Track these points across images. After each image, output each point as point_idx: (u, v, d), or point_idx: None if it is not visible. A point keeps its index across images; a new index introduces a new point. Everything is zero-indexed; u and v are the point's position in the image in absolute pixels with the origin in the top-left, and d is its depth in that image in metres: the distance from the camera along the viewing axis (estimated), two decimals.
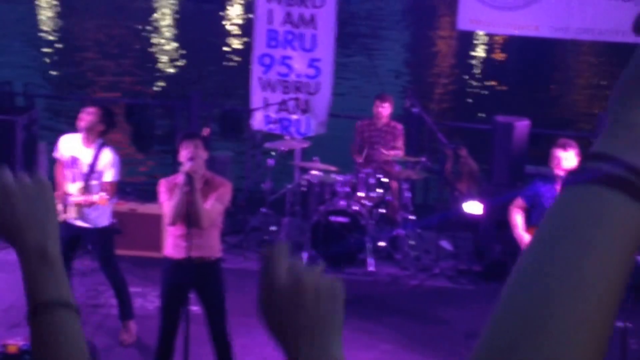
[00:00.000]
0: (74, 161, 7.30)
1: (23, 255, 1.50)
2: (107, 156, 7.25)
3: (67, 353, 1.43)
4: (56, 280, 1.48)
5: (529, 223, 6.98)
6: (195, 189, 6.19)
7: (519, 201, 7.04)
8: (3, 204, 1.50)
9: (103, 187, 7.16)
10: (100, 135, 7.34)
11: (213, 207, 6.30)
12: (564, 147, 6.81)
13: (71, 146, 7.34)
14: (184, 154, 6.27)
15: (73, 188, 7.26)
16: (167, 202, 6.34)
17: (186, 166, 6.24)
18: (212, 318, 6.53)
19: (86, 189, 7.18)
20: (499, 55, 26.64)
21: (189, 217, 6.21)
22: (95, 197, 7.06)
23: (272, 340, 1.37)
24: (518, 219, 6.98)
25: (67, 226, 7.17)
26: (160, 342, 6.55)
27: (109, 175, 7.24)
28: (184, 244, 6.29)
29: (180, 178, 6.27)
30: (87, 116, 7.29)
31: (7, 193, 1.50)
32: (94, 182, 7.16)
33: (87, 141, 7.29)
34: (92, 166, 7.22)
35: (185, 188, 6.18)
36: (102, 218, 7.37)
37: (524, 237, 6.89)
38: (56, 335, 1.44)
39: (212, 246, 6.44)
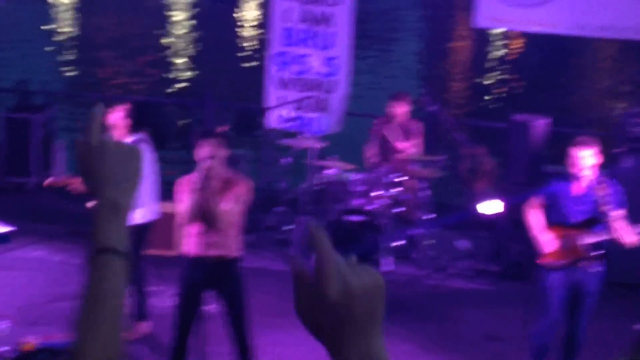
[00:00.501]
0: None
1: (99, 202, 1.72)
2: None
3: (112, 295, 1.65)
4: (120, 230, 1.71)
5: (546, 221, 6.90)
6: (211, 190, 6.16)
7: (535, 200, 6.95)
8: (97, 154, 1.72)
9: None
10: (131, 131, 7.37)
11: (232, 208, 6.27)
12: (582, 145, 6.71)
13: None
14: (201, 152, 6.24)
15: None
16: (184, 202, 6.31)
17: (204, 165, 6.21)
18: (231, 318, 6.50)
19: None
20: (517, 53, 26.51)
21: (206, 215, 6.19)
22: None
23: (314, 341, 1.40)
24: (534, 219, 6.89)
25: None
26: (175, 340, 6.52)
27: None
28: (201, 242, 6.27)
29: (197, 176, 6.25)
30: (112, 114, 7.31)
31: (104, 147, 1.72)
32: None
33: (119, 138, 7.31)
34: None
35: (201, 187, 6.15)
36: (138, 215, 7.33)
37: (541, 237, 6.80)
38: (109, 274, 1.67)
39: (231, 245, 6.39)
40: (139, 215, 7.34)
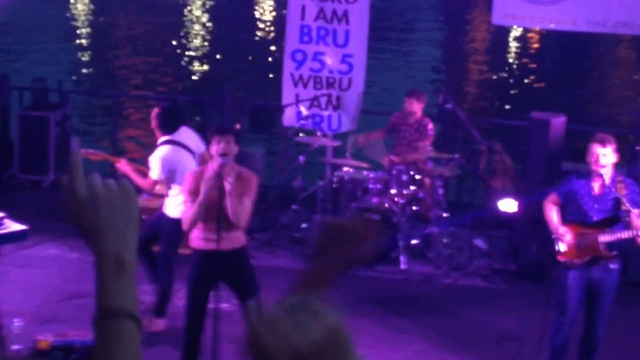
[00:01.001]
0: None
1: (99, 259, 1.56)
2: (155, 153, 7.42)
3: None
4: (127, 289, 1.55)
5: (563, 219, 6.83)
6: (225, 185, 6.16)
7: (553, 196, 6.88)
8: (88, 207, 1.56)
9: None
10: (165, 132, 7.46)
11: (247, 205, 6.32)
12: (603, 142, 6.63)
13: None
14: (215, 148, 6.27)
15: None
16: (190, 199, 6.31)
17: (217, 162, 6.20)
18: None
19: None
20: (535, 50, 26.37)
21: (218, 212, 6.18)
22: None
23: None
24: (553, 213, 6.82)
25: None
26: (186, 337, 6.50)
27: (152, 170, 7.37)
28: (213, 238, 6.26)
29: (209, 171, 6.27)
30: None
31: (94, 197, 1.56)
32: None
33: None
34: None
35: (214, 183, 6.17)
36: (174, 209, 7.32)
37: (560, 229, 6.72)
38: (118, 342, 1.51)
39: (238, 237, 6.45)
40: (176, 209, 7.27)
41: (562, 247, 6.72)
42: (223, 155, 6.21)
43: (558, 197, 6.85)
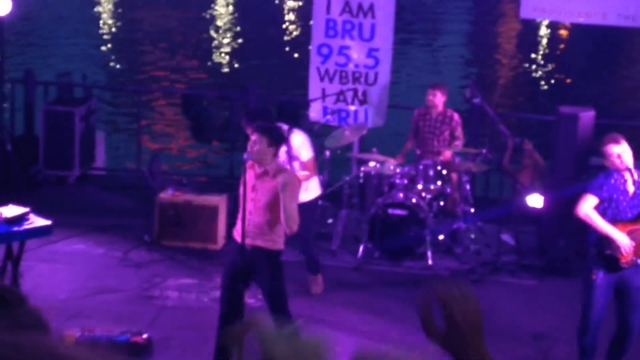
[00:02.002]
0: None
1: None
2: (298, 139, 7.89)
3: None
4: None
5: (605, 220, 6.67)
6: (253, 179, 6.34)
7: (592, 200, 6.62)
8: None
9: (303, 166, 7.89)
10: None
11: (274, 197, 6.34)
12: (617, 141, 6.52)
13: None
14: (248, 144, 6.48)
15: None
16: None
17: (248, 156, 6.37)
18: (271, 309, 6.52)
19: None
20: (564, 44, 26.15)
21: (243, 206, 6.28)
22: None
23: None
24: (600, 219, 6.59)
25: None
26: (220, 329, 6.48)
27: (303, 154, 7.90)
28: (240, 229, 6.35)
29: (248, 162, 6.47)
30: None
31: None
32: (295, 165, 7.86)
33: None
34: (288, 152, 7.79)
35: (244, 177, 6.33)
36: (306, 194, 7.72)
37: (620, 235, 6.51)
38: None
39: (272, 236, 6.43)
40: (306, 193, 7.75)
41: (626, 248, 6.55)
42: (253, 150, 6.33)
43: (597, 197, 6.61)
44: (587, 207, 6.58)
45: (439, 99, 9.50)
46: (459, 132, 9.51)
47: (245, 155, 6.34)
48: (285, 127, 7.77)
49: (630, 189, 6.58)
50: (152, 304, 7.99)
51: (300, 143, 7.90)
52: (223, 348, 6.51)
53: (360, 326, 7.70)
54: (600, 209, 6.60)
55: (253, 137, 6.35)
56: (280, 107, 10.98)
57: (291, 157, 7.86)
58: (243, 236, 6.30)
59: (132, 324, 7.34)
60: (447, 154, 9.38)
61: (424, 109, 9.66)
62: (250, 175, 6.40)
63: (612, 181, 6.58)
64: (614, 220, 6.58)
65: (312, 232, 8.43)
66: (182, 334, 7.43)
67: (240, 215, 6.44)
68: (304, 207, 7.66)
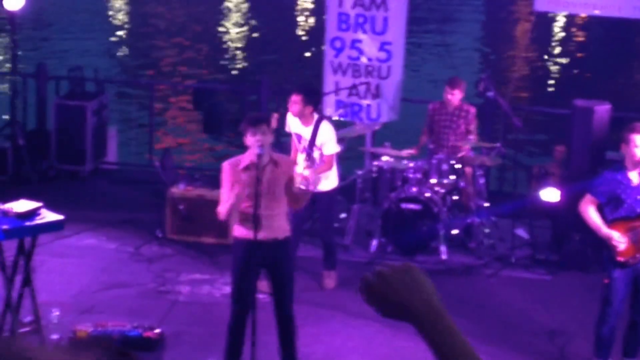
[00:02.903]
0: (298, 137, 8.04)
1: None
2: (325, 131, 7.86)
3: None
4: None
5: (607, 217, 6.63)
6: (262, 174, 6.21)
7: (590, 199, 6.64)
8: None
9: (323, 158, 7.88)
10: (314, 113, 7.92)
11: (282, 189, 6.37)
12: None
13: (295, 124, 8.06)
14: (251, 140, 6.31)
15: (300, 159, 7.69)
16: (228, 191, 6.31)
17: (254, 153, 6.23)
18: (279, 299, 6.52)
19: (309, 161, 7.65)
20: (579, 37, 25.98)
21: (256, 202, 6.17)
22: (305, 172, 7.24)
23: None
24: (597, 218, 6.58)
25: None
26: (232, 326, 6.45)
27: (327, 148, 7.88)
28: (252, 226, 6.26)
29: (244, 162, 6.32)
30: (294, 105, 7.88)
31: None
32: (315, 154, 7.78)
33: (305, 122, 7.94)
34: (312, 141, 7.75)
35: (252, 172, 6.21)
36: (326, 183, 7.97)
37: (613, 234, 6.50)
38: None
39: (280, 226, 6.46)
40: (325, 183, 7.93)
41: (620, 246, 6.51)
42: (260, 146, 6.23)
43: (596, 198, 6.63)
44: (584, 207, 6.64)
45: (456, 98, 9.42)
46: (473, 127, 9.43)
47: (259, 151, 6.26)
48: (317, 115, 7.93)
49: (636, 183, 6.51)
50: (164, 298, 7.96)
51: (327, 136, 7.90)
52: (234, 344, 6.47)
53: (373, 320, 7.64)
54: (610, 207, 6.56)
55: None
56: None
57: (313, 144, 7.80)
58: (256, 231, 6.23)
59: (144, 318, 7.32)
60: (466, 148, 9.30)
61: (439, 103, 9.59)
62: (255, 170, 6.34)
63: (613, 177, 6.53)
64: (617, 217, 6.53)
65: (333, 220, 8.57)
66: (194, 329, 7.40)
67: (246, 209, 6.35)
68: (324, 196, 7.94)
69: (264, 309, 6.55)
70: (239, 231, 6.49)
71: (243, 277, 6.42)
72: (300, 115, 7.88)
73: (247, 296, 6.41)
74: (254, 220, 6.21)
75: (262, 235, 6.26)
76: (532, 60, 22.58)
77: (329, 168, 7.96)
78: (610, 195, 6.56)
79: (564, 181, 9.08)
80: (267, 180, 6.31)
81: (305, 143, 7.80)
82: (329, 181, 8.08)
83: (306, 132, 7.90)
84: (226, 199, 6.36)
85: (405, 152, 9.29)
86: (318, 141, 7.78)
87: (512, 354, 7.27)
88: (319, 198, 7.97)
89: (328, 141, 7.90)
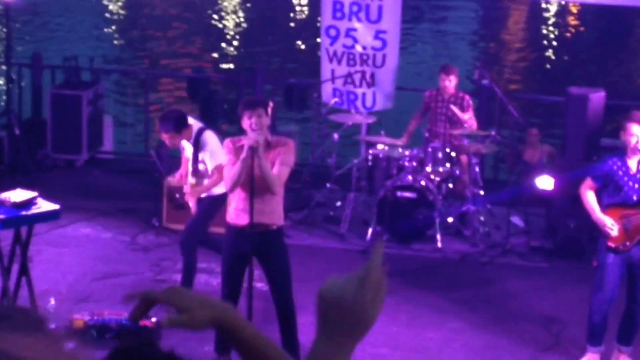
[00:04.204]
0: (183, 151, 7.65)
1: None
2: (206, 143, 7.34)
3: None
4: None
5: (603, 202, 6.66)
6: (261, 158, 6.11)
7: (589, 182, 6.69)
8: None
9: (217, 169, 7.27)
10: (189, 129, 7.36)
11: (280, 171, 6.28)
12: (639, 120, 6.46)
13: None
14: (247, 123, 6.26)
15: (189, 174, 7.51)
16: (229, 167, 6.31)
17: (250, 138, 6.17)
18: (276, 288, 6.47)
19: (197, 176, 7.42)
20: (573, 25, 25.98)
21: (251, 184, 6.15)
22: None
23: None
24: (593, 201, 6.63)
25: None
26: None
27: (212, 161, 7.31)
28: (246, 211, 6.24)
29: (244, 142, 6.21)
30: (168, 141, 7.40)
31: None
32: (201, 166, 7.43)
33: (188, 139, 7.47)
34: (195, 156, 7.38)
35: (248, 160, 6.12)
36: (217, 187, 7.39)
37: (606, 220, 6.54)
38: None
39: (274, 212, 6.38)
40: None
41: (611, 232, 6.54)
42: (255, 131, 6.20)
43: (594, 182, 6.66)
44: (582, 189, 6.68)
45: (451, 84, 9.42)
46: (471, 113, 9.41)
47: (255, 134, 6.17)
48: (198, 125, 7.46)
49: (635, 171, 6.54)
50: (160, 287, 7.92)
51: (210, 147, 7.35)
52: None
53: None
54: (608, 192, 6.60)
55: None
56: (288, 89, 10.94)
57: (196, 159, 7.42)
58: (251, 219, 6.23)
59: None
60: (473, 123, 9.24)
61: (435, 90, 9.59)
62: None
63: (613, 163, 6.56)
64: (612, 203, 6.57)
65: (204, 227, 7.69)
66: None
67: (242, 197, 6.31)
68: (207, 199, 7.46)
69: (261, 299, 6.56)
70: (232, 216, 6.44)
71: (234, 263, 6.41)
72: (179, 143, 7.44)
73: (237, 282, 6.41)
74: (247, 204, 6.19)
75: (254, 220, 6.20)
76: (526, 47, 22.58)
77: (221, 178, 7.05)
78: (609, 180, 6.59)
79: (559, 169, 9.09)
80: (261, 165, 6.21)
81: (190, 157, 7.48)
82: (219, 186, 7.39)
83: (189, 147, 7.52)
84: (230, 169, 6.29)
85: (399, 143, 9.29)
86: (200, 155, 7.38)
87: (507, 341, 7.31)
88: (203, 199, 7.53)
89: (211, 153, 7.32)
